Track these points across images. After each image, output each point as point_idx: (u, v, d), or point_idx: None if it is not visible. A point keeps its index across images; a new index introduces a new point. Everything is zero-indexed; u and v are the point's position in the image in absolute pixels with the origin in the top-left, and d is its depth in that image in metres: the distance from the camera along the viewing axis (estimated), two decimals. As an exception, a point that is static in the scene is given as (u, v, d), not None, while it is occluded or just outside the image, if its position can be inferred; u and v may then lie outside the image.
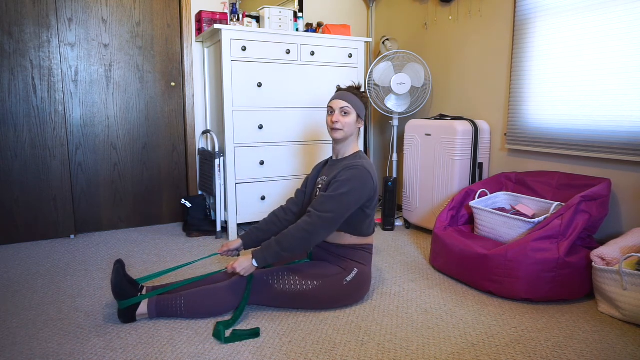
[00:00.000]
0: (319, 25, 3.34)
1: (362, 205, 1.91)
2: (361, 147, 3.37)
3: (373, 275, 2.34)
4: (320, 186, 2.04)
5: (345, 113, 1.97)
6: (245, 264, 1.79)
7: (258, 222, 3.31)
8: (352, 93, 1.99)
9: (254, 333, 1.70)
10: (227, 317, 1.86)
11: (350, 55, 3.20)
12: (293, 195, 2.22)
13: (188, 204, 3.08)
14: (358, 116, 1.99)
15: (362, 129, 3.34)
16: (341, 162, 2.02)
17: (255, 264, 1.79)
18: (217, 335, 1.68)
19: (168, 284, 2.00)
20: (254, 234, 2.10)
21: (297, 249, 1.79)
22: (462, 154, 2.81)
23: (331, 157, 2.13)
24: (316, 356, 1.58)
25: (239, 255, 2.11)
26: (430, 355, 1.59)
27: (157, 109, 3.23)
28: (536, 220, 2.16)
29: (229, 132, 2.86)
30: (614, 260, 1.90)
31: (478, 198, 2.57)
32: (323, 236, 1.81)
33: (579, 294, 2.03)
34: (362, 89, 2.06)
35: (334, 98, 2.01)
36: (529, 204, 2.45)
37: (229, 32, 2.77)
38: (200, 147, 3.36)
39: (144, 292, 1.93)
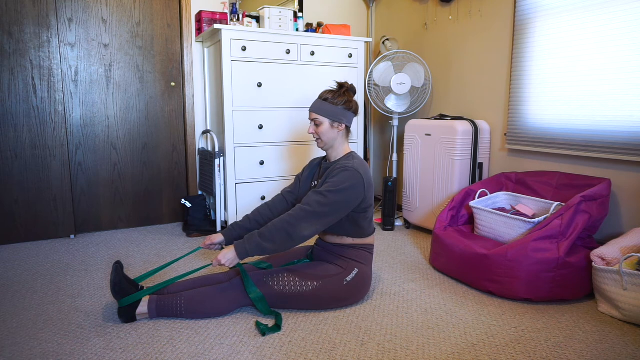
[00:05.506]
0: (319, 25, 3.34)
1: (357, 207, 1.90)
2: (361, 147, 3.36)
3: (373, 275, 2.34)
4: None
5: (317, 124, 1.98)
6: (228, 255, 1.80)
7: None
8: (323, 99, 1.96)
9: (278, 326, 1.77)
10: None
11: (350, 55, 3.20)
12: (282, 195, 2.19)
13: (188, 204, 3.08)
14: (334, 121, 1.96)
15: (358, 128, 3.33)
16: (334, 164, 2.01)
17: (237, 255, 1.80)
18: (264, 328, 1.75)
19: (167, 280, 2.00)
20: (235, 230, 2.08)
21: (278, 240, 1.78)
22: (462, 154, 2.81)
23: (325, 159, 2.12)
24: (316, 356, 1.58)
25: (222, 248, 2.09)
26: (430, 355, 1.59)
27: (157, 109, 3.23)
28: (536, 220, 2.16)
29: (229, 132, 2.86)
30: (614, 260, 1.90)
31: (478, 198, 2.57)
32: (306, 230, 1.79)
33: (579, 294, 2.03)
34: (344, 87, 2.02)
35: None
36: (529, 204, 2.45)
37: (229, 32, 2.77)
38: (200, 147, 3.36)
39: (143, 292, 1.93)
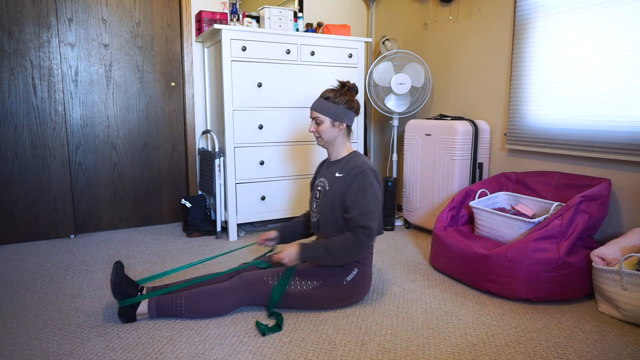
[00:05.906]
0: (319, 25, 3.34)
1: None
2: (361, 147, 3.37)
3: (373, 275, 2.34)
4: (319, 188, 2.04)
5: (318, 123, 2.00)
6: (292, 255, 1.86)
7: (256, 222, 3.32)
8: (325, 98, 1.98)
9: (278, 325, 1.78)
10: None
11: (350, 55, 3.20)
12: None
13: (188, 204, 3.08)
14: (334, 119, 1.97)
15: (358, 128, 3.33)
16: (337, 163, 2.03)
17: (299, 257, 1.86)
18: (264, 328, 1.75)
19: (169, 284, 2.00)
20: (287, 230, 2.18)
21: (342, 258, 1.85)
22: (462, 154, 2.81)
23: (328, 159, 2.13)
24: (316, 356, 1.58)
25: (275, 245, 2.19)
26: (430, 355, 1.59)
27: (157, 109, 3.23)
28: (536, 220, 2.16)
29: (229, 132, 2.86)
30: (614, 260, 1.90)
31: (478, 198, 2.57)
32: (368, 246, 1.87)
33: (579, 294, 2.03)
34: (346, 86, 2.03)
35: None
36: (529, 204, 2.45)
37: (229, 32, 2.77)
38: (200, 147, 3.36)
39: (144, 292, 1.93)
